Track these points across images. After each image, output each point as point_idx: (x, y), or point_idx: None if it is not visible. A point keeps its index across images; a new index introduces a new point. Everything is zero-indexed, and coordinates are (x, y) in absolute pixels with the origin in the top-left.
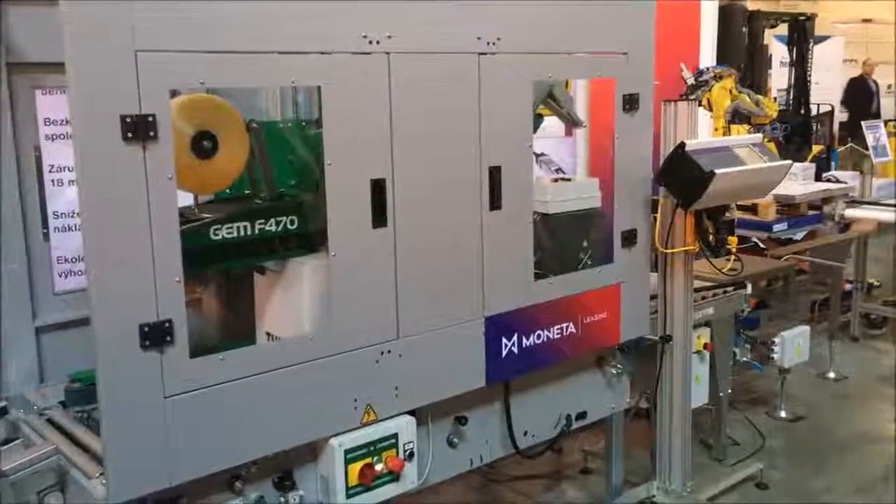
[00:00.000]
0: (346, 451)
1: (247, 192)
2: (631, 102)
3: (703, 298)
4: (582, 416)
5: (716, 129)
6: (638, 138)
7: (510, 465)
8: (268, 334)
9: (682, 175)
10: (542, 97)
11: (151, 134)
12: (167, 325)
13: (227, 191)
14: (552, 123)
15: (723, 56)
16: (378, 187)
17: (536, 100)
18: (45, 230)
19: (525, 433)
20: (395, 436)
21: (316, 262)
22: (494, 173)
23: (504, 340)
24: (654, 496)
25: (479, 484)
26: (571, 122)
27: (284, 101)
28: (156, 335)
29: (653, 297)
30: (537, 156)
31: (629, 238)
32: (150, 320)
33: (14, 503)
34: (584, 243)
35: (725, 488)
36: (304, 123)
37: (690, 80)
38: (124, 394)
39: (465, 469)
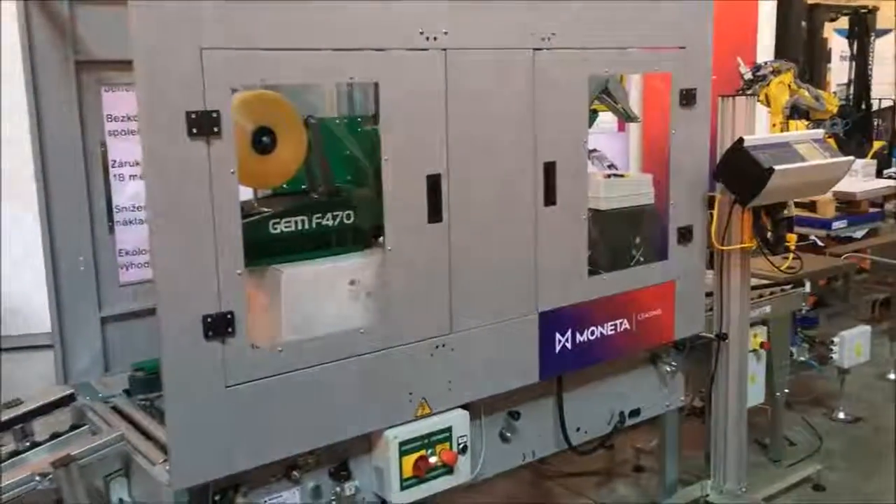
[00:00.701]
0: (401, 444)
1: (303, 187)
2: (688, 97)
3: (760, 296)
4: (635, 413)
5: (773, 125)
6: (695, 134)
7: (561, 462)
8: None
9: (740, 171)
10: (597, 92)
11: (215, 129)
12: (229, 316)
13: (284, 185)
14: (604, 118)
15: (781, 50)
16: (434, 182)
17: (591, 95)
18: (110, 223)
19: (578, 429)
20: (449, 429)
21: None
22: (549, 169)
23: (558, 336)
24: (707, 495)
25: (530, 480)
26: (626, 118)
27: (340, 97)
28: (218, 326)
29: (708, 295)
30: (589, 151)
31: (685, 235)
32: (213, 311)
33: (83, 487)
34: (637, 240)
35: (781, 489)
36: (359, 119)
37: (748, 75)
38: (188, 383)
39: (518, 464)
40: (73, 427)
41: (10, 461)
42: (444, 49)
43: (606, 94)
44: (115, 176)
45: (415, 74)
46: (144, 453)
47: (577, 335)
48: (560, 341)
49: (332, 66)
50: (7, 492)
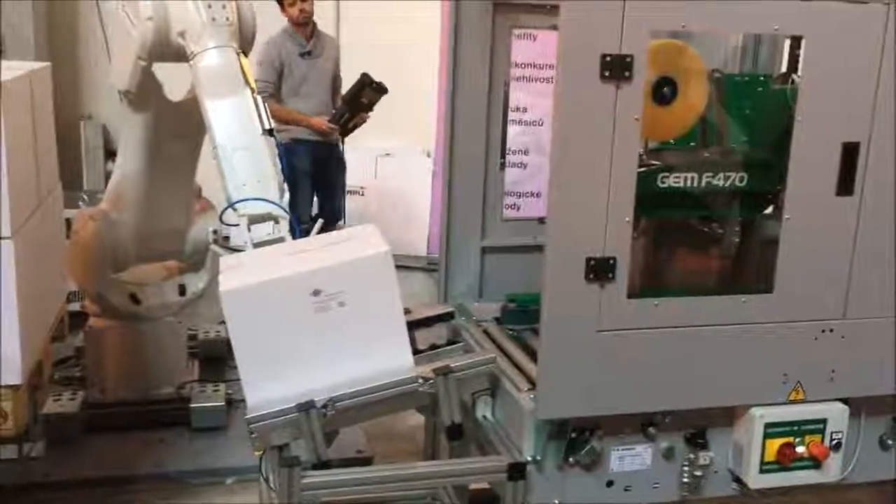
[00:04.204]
0: (767, 425)
1: (692, 144)
2: None
3: None
4: None
5: None
6: None
7: None
8: None
9: None
10: None
11: (626, 74)
12: (611, 261)
13: (672, 140)
14: None
15: None
16: (850, 151)
17: None
18: (502, 160)
19: None
20: (824, 421)
21: None
22: None
23: None
24: None
25: (893, 496)
26: None
27: (745, 52)
28: (600, 270)
29: None
30: None
31: None
32: (597, 255)
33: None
34: None
35: None
36: (762, 78)
37: None
38: (564, 320)
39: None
40: (450, 342)
41: None
42: (889, 3)
43: None
44: None
45: (849, 30)
46: (511, 379)
47: None
48: None
49: (757, 15)
50: (392, 388)
